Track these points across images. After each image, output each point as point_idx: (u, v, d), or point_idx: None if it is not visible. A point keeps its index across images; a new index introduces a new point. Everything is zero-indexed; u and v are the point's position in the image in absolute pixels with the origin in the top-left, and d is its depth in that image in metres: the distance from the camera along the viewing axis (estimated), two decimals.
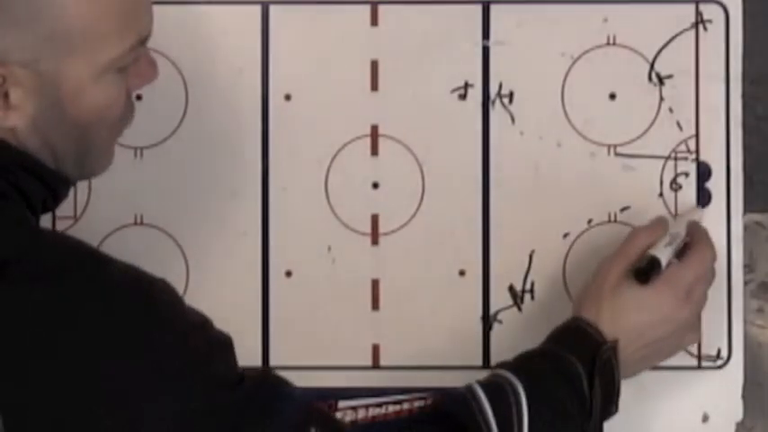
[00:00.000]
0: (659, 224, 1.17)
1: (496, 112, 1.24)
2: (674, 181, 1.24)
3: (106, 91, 0.97)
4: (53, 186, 1.00)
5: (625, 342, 1.10)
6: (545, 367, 1.08)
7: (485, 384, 1.06)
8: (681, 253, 1.15)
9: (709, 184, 1.24)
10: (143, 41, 1.00)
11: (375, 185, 1.25)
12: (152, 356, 0.91)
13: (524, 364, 1.09)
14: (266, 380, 0.99)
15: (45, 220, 1.22)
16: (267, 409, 0.96)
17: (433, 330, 1.23)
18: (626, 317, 1.11)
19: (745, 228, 1.25)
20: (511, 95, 1.24)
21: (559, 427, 1.06)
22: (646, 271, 1.11)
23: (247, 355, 1.22)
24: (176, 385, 0.91)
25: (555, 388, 1.06)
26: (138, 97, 1.24)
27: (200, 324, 0.97)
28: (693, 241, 1.16)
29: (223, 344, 0.97)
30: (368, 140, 1.25)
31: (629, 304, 1.11)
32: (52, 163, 0.99)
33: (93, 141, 1.00)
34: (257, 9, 1.25)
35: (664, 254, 1.13)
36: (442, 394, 1.07)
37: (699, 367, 1.24)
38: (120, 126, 1.03)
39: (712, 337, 1.23)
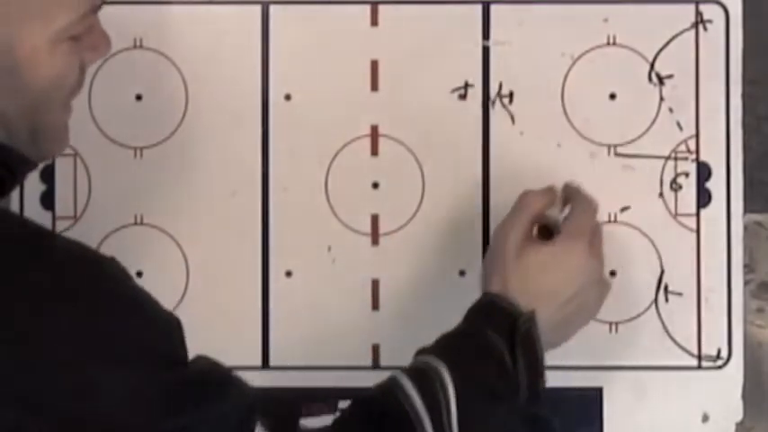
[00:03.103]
0: (549, 190, 1.14)
1: (496, 112, 1.25)
2: (674, 181, 1.24)
3: (61, 59, 0.97)
4: (7, 162, 0.99)
5: (542, 306, 1.07)
6: (466, 346, 1.06)
7: (408, 372, 1.04)
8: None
9: (709, 184, 1.24)
10: (95, 10, 1.00)
11: (375, 185, 1.25)
12: (94, 328, 0.90)
13: (445, 346, 1.07)
14: (214, 366, 0.98)
15: (45, 220, 1.22)
16: (211, 391, 0.94)
17: (432, 330, 1.23)
18: (536, 279, 1.08)
19: (745, 228, 1.25)
20: (511, 95, 1.25)
21: (488, 405, 1.03)
22: (550, 228, 1.11)
23: (247, 355, 1.23)
24: (120, 360, 0.91)
25: (478, 366, 1.04)
26: (138, 97, 1.25)
27: (149, 303, 0.96)
28: (572, 197, 1.14)
29: (171, 324, 0.96)
30: (368, 140, 1.25)
31: (537, 265, 1.08)
32: (5, 138, 0.98)
33: (47, 115, 0.99)
34: (257, 9, 1.25)
35: (558, 216, 1.12)
36: (371, 389, 1.05)
37: (699, 367, 1.24)
38: (70, 100, 1.02)
39: (712, 337, 1.23)
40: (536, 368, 1.05)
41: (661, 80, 1.24)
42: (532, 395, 1.06)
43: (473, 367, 1.04)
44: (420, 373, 1.04)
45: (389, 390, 1.03)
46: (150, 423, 0.91)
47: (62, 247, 0.95)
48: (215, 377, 0.96)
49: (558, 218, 1.12)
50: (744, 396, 1.24)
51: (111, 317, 0.92)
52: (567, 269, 1.08)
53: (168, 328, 0.96)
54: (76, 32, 0.97)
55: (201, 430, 0.93)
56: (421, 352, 1.07)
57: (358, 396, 1.05)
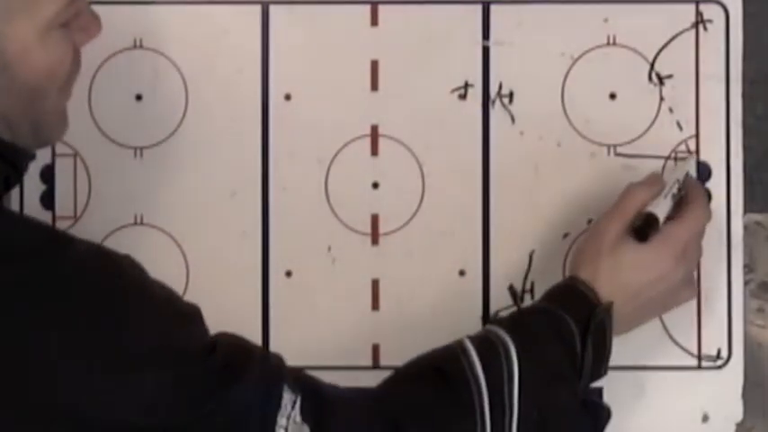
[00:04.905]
0: (655, 180, 1.16)
1: (496, 112, 1.25)
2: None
3: (53, 49, 0.96)
4: (12, 160, 0.99)
5: (621, 302, 1.09)
6: (538, 324, 1.07)
7: (476, 339, 1.06)
8: (677, 205, 1.14)
9: (710, 184, 1.24)
10: None
11: (375, 185, 1.25)
12: (119, 333, 0.91)
13: (517, 321, 1.09)
14: (237, 346, 0.99)
15: (45, 220, 1.22)
16: (237, 374, 0.95)
17: (433, 330, 1.23)
18: (624, 276, 1.10)
19: (745, 228, 1.25)
20: (511, 95, 1.25)
21: (549, 385, 1.05)
22: (644, 229, 1.11)
23: None
24: (145, 360, 0.91)
25: (547, 346, 1.06)
26: (138, 97, 1.25)
27: (167, 297, 0.97)
28: (688, 197, 1.15)
29: (191, 315, 0.98)
30: (368, 140, 1.25)
31: (627, 263, 1.10)
32: (8, 135, 0.98)
33: (46, 104, 0.99)
34: (257, 9, 1.25)
35: (661, 209, 1.13)
36: (433, 349, 1.07)
37: (699, 367, 1.24)
38: (69, 85, 1.02)
39: (712, 337, 1.23)
40: (602, 358, 1.08)
41: (661, 80, 1.24)
42: (592, 383, 1.08)
43: (542, 346, 1.06)
44: (487, 343, 1.05)
45: (454, 353, 1.05)
46: (171, 418, 0.92)
47: (80, 247, 0.95)
48: (236, 360, 0.96)
49: (661, 209, 1.13)
50: (744, 396, 1.24)
51: (129, 318, 0.92)
52: (653, 275, 1.11)
53: (188, 322, 0.97)
54: (64, 20, 0.97)
55: (223, 415, 0.94)
56: (494, 321, 1.10)
57: (422, 354, 1.07)
